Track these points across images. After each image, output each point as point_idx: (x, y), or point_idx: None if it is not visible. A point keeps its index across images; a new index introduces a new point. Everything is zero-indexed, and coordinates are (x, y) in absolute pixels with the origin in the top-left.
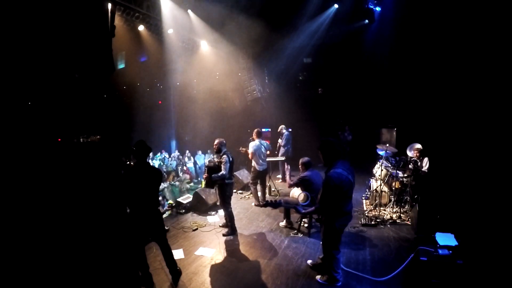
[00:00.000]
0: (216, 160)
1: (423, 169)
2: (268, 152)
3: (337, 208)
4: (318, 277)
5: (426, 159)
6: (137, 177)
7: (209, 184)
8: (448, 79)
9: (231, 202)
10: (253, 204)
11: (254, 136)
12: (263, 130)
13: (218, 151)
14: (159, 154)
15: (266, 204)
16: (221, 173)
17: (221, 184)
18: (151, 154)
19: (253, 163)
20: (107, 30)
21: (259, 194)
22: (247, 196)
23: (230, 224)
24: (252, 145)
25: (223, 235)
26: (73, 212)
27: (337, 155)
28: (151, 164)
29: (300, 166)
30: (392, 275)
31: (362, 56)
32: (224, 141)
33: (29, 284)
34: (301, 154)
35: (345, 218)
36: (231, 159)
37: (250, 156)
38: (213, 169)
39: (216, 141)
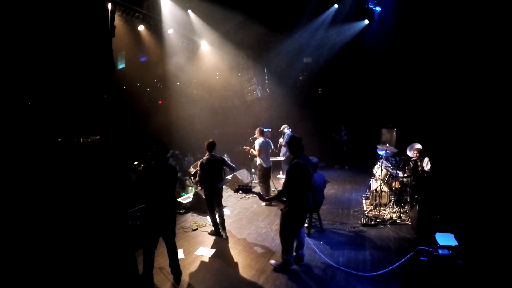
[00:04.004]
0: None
1: (425, 169)
2: (270, 151)
3: (299, 194)
4: (272, 261)
5: (426, 159)
6: (156, 176)
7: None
8: (448, 79)
9: (231, 202)
10: (263, 204)
11: (257, 135)
12: (263, 130)
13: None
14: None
15: (237, 189)
16: (196, 180)
17: (204, 188)
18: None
19: (259, 161)
20: (107, 30)
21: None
22: (247, 197)
23: (213, 226)
24: (259, 142)
25: (208, 233)
26: (73, 212)
27: (300, 150)
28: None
29: None
30: (385, 271)
31: (362, 56)
32: (210, 143)
33: (29, 284)
34: None
35: (307, 202)
36: (205, 164)
37: (257, 153)
38: (193, 175)
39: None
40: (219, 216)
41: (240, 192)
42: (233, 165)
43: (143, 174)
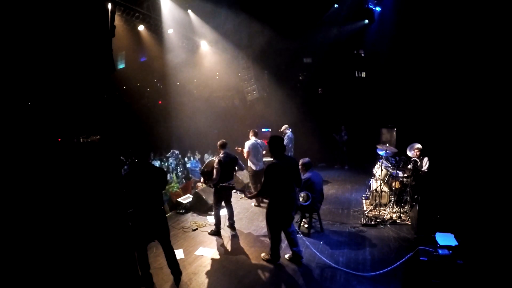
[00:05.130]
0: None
1: (423, 169)
2: (264, 152)
3: (278, 193)
4: (262, 254)
5: (425, 159)
6: (139, 177)
7: (206, 183)
8: (448, 79)
9: (232, 202)
10: (252, 204)
11: (250, 136)
12: (264, 130)
13: (219, 153)
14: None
15: (222, 186)
16: (213, 178)
17: (215, 186)
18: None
19: (249, 163)
20: (107, 30)
21: None
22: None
23: (215, 224)
24: (247, 144)
25: (208, 233)
26: (73, 212)
27: (280, 150)
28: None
29: (300, 167)
30: (385, 271)
31: (362, 56)
32: (223, 143)
33: (29, 284)
34: (301, 154)
35: (289, 201)
36: (223, 162)
37: (245, 155)
38: (206, 174)
39: (218, 143)
40: (228, 218)
41: (240, 192)
42: (243, 165)
43: (126, 177)
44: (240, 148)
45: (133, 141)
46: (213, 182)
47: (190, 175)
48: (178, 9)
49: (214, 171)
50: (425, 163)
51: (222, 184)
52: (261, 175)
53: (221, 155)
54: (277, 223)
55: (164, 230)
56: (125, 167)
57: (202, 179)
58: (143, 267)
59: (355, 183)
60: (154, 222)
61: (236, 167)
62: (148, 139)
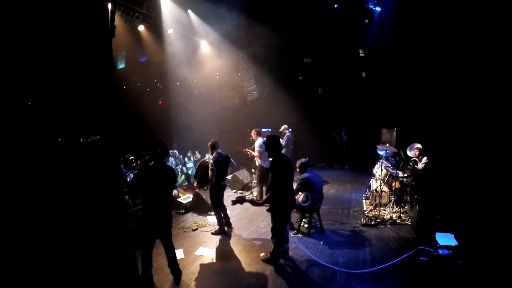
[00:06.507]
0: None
1: (418, 167)
2: None
3: (285, 189)
4: (261, 254)
5: (424, 158)
6: (155, 178)
7: (201, 186)
8: (448, 79)
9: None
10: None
11: (254, 136)
12: (263, 130)
13: (211, 153)
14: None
15: (234, 201)
16: (208, 179)
17: (211, 186)
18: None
19: (259, 162)
20: (107, 30)
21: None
22: (247, 197)
23: (219, 225)
24: (258, 144)
25: (212, 233)
26: (73, 213)
27: (279, 148)
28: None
29: (297, 168)
30: (383, 266)
31: (362, 56)
32: (214, 143)
33: (29, 284)
34: (301, 154)
35: (291, 198)
36: (217, 161)
37: (258, 155)
38: (200, 177)
39: (209, 144)
40: (223, 216)
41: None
42: (234, 163)
43: (142, 175)
44: (248, 150)
45: (157, 141)
46: (209, 183)
47: (191, 180)
48: (178, 9)
49: (210, 172)
50: (422, 162)
51: (236, 200)
52: (269, 173)
53: (214, 155)
54: (285, 221)
55: (169, 229)
56: (134, 165)
57: (195, 184)
58: (146, 266)
59: (355, 183)
60: (163, 220)
61: (229, 166)
62: (149, 139)
